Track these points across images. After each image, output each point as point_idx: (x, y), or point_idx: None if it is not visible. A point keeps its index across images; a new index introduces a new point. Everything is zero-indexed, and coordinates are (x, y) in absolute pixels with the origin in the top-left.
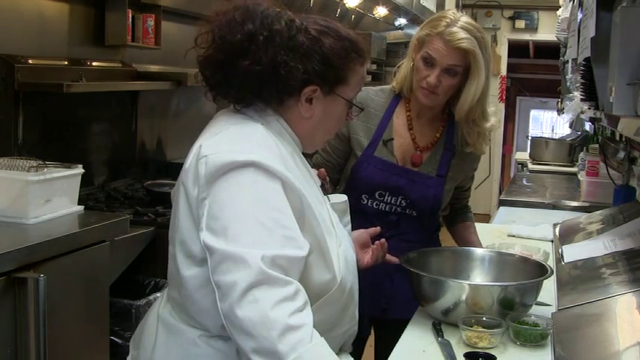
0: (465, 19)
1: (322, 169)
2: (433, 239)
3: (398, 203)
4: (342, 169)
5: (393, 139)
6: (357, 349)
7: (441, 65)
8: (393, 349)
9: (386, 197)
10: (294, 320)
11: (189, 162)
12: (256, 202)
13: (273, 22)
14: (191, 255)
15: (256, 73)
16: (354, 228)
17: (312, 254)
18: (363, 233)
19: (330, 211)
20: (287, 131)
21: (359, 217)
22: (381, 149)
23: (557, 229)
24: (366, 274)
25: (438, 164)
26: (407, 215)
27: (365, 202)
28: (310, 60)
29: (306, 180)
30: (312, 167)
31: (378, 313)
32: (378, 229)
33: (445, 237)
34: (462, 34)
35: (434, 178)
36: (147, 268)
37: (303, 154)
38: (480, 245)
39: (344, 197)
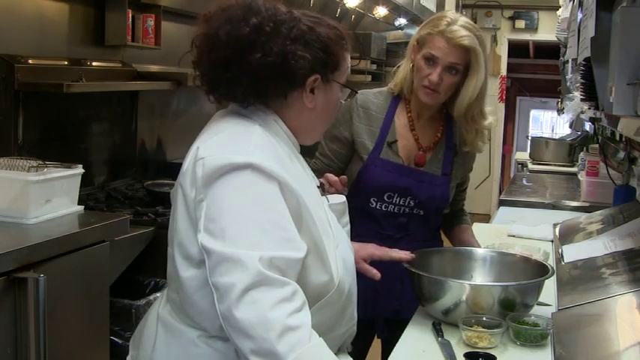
0: (464, 18)
1: (344, 177)
2: (436, 237)
3: (406, 204)
4: (343, 174)
5: (397, 140)
6: (362, 349)
7: (442, 63)
8: None
9: (395, 198)
10: (292, 321)
11: (186, 164)
12: (253, 204)
13: (276, 14)
14: (189, 256)
15: (268, 66)
16: (364, 231)
17: (310, 256)
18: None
19: (327, 212)
20: (284, 131)
21: (368, 221)
22: (386, 151)
23: (557, 229)
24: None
25: (442, 163)
26: (414, 215)
27: (374, 205)
28: (312, 48)
29: (304, 181)
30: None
31: (391, 315)
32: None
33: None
34: (464, 32)
35: (440, 177)
36: (147, 268)
37: (302, 154)
38: (478, 247)
39: (342, 198)
